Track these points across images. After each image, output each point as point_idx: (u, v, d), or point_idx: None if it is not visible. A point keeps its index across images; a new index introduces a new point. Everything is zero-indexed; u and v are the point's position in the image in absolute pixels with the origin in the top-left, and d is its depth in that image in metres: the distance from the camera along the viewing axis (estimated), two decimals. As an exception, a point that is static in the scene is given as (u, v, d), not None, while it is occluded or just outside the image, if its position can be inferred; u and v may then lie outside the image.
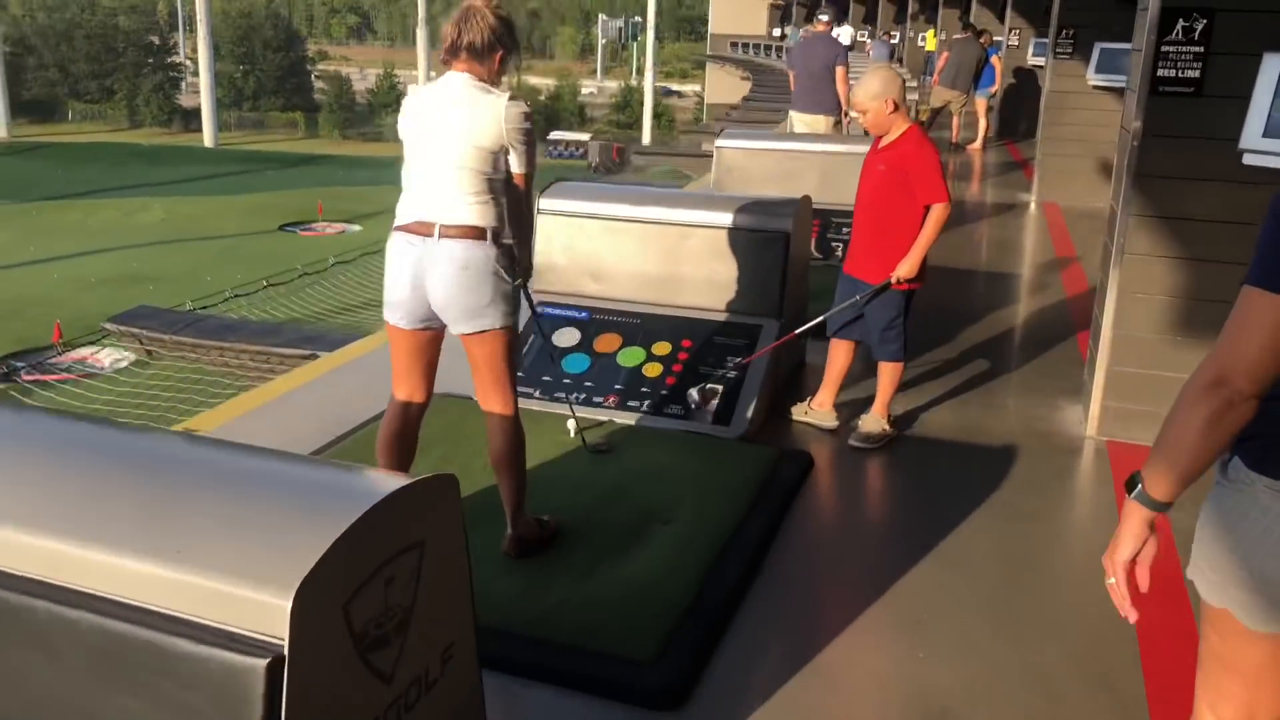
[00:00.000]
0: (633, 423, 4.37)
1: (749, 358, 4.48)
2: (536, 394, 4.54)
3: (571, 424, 4.22)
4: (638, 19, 55.64)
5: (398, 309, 3.17)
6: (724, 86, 39.67)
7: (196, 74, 38.45)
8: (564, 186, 5.08)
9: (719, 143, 7.46)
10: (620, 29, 65.19)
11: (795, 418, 4.57)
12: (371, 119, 44.79)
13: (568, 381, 4.56)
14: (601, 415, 4.41)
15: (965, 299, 6.57)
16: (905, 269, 4.14)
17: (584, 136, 43.17)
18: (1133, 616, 1.70)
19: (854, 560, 3.58)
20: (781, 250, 4.67)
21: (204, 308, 18.09)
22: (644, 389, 4.50)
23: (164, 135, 40.41)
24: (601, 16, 72.71)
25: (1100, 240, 4.80)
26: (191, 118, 39.65)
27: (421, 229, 3.06)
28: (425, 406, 3.37)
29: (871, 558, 3.57)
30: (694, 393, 4.41)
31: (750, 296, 4.72)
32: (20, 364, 19.61)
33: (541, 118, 43.07)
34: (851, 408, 4.58)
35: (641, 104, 45.85)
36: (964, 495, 3.90)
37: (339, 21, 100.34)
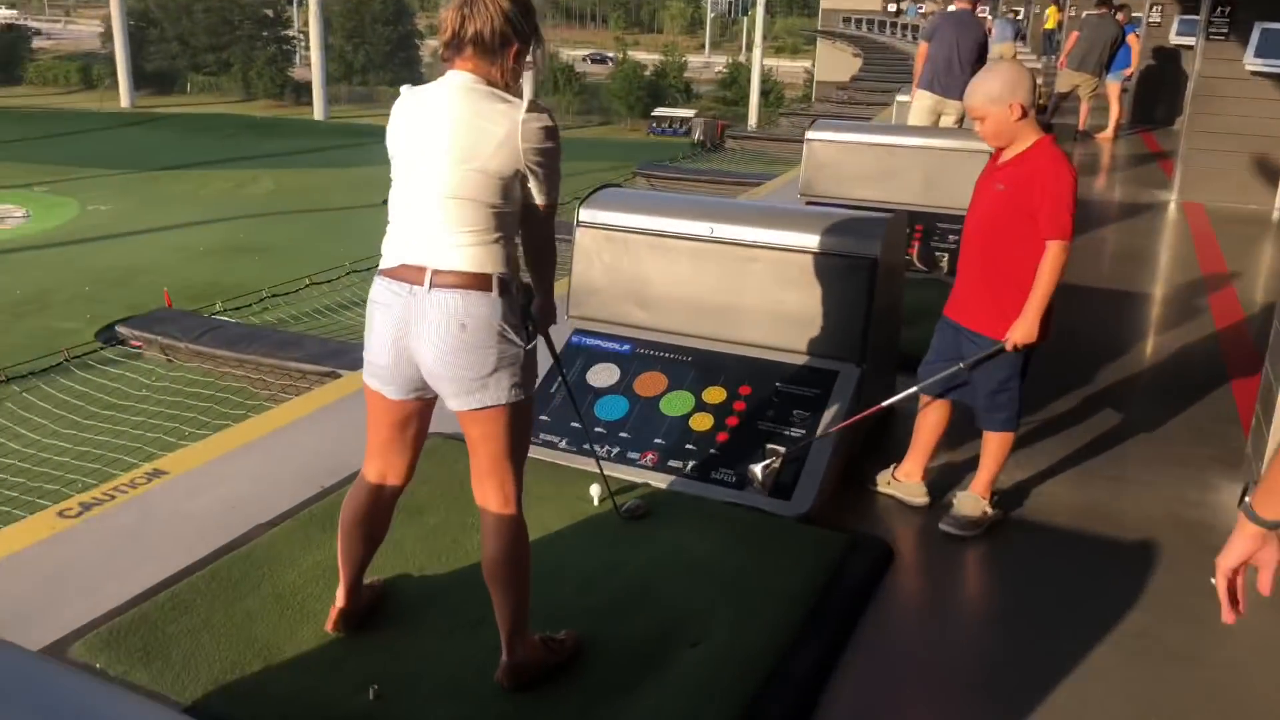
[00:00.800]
0: (673, 488, 3.61)
1: (815, 435, 3.65)
2: (562, 444, 3.82)
3: (595, 489, 3.49)
4: (749, -8, 54.14)
5: (379, 375, 2.49)
6: (834, 64, 38.22)
7: (308, 48, 38.76)
8: (609, 194, 4.31)
9: (809, 135, 6.57)
10: (730, 2, 63.74)
11: (879, 488, 3.75)
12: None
13: (600, 430, 3.82)
14: (635, 475, 3.66)
15: (1087, 328, 5.51)
16: (1020, 333, 3.28)
17: (688, 113, 42.26)
18: (1229, 618, 1.71)
19: (936, 701, 2.76)
20: (866, 280, 3.82)
21: (280, 293, 17.87)
22: (689, 445, 3.73)
23: (276, 108, 40.95)
24: (711, -11, 71.14)
25: (1258, 251, 3.81)
26: (303, 91, 40.05)
27: (409, 275, 2.36)
28: (401, 488, 2.70)
29: (958, 700, 2.75)
30: (754, 468, 3.60)
31: (826, 335, 3.90)
32: (131, 331, 19.97)
33: (645, 93, 42.26)
34: (946, 476, 3.74)
35: (749, 81, 44.57)
36: (1085, 618, 3.02)
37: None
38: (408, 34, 43.56)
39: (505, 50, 2.35)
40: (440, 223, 2.34)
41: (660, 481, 3.63)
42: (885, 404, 3.73)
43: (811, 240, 3.88)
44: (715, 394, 3.87)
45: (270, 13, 40.41)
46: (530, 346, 2.43)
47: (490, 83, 2.36)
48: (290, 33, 42.31)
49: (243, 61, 40.27)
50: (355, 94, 41.99)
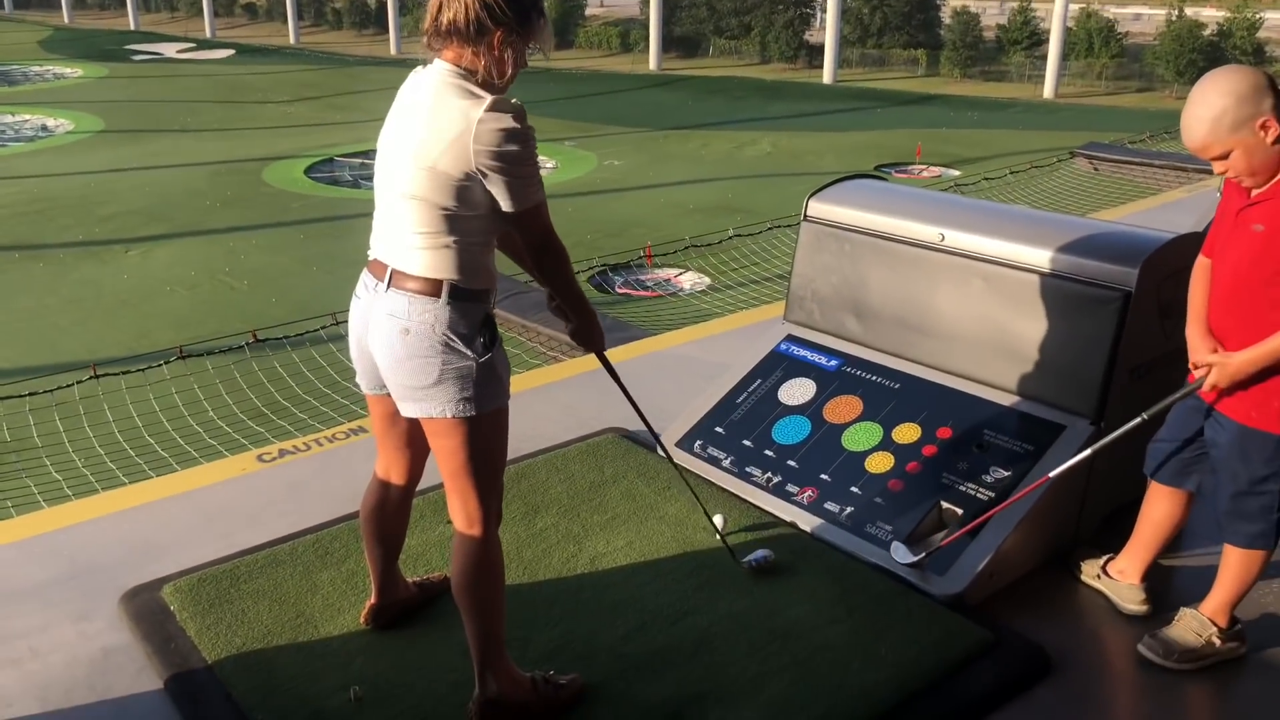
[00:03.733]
0: (817, 533, 3.13)
1: (1004, 502, 2.95)
2: (726, 461, 3.48)
3: (719, 520, 3.14)
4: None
5: (355, 366, 2.48)
6: None
7: (826, 10, 39.20)
8: (845, 187, 3.80)
9: None
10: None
11: (1083, 578, 2.98)
12: (998, 56, 42.17)
13: (770, 454, 3.42)
14: (784, 511, 3.24)
15: None
16: (1225, 372, 2.41)
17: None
18: None
19: None
20: (1115, 316, 3.00)
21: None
22: (855, 488, 3.21)
23: (788, 71, 41.92)
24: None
25: None
26: (815, 54, 40.58)
27: (376, 271, 2.32)
28: (410, 487, 2.64)
29: None
30: (927, 524, 3.02)
31: (1058, 379, 3.14)
32: (618, 277, 21.97)
33: (1200, 57, 37.33)
34: (1186, 582, 2.86)
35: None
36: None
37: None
38: (931, -7, 42.25)
39: (484, 38, 2.13)
40: (400, 221, 2.22)
41: (807, 524, 3.18)
42: (1093, 448, 2.89)
43: (1053, 258, 3.14)
44: (908, 432, 3.29)
45: (794, -24, 41.38)
46: (485, 359, 2.22)
47: (472, 72, 2.15)
48: (812, -5, 43.08)
49: (762, 25, 41.72)
50: (867, 57, 41.68)
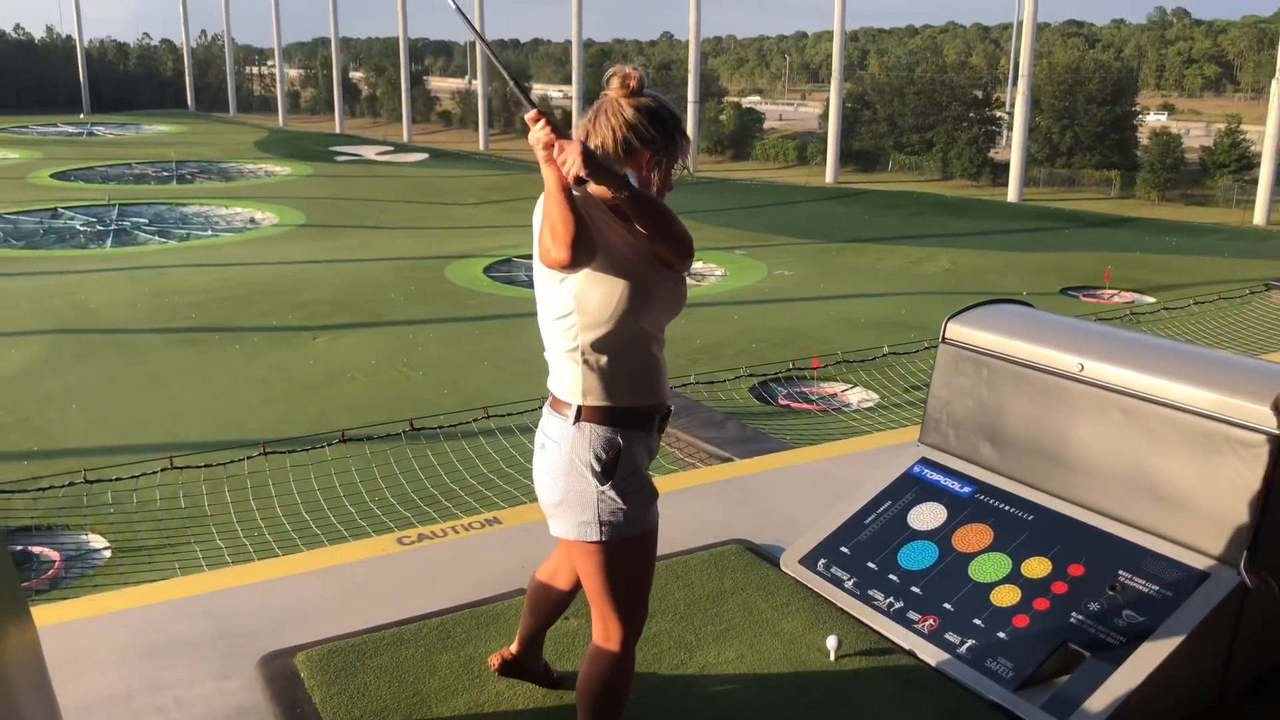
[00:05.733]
0: (940, 667, 3.04)
1: (1137, 647, 2.79)
2: (849, 582, 3.44)
3: (833, 641, 3.10)
4: None
5: None
6: None
7: (1012, 128, 38.75)
8: (986, 311, 3.76)
9: None
10: None
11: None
12: (1201, 180, 40.48)
13: (894, 578, 3.36)
14: (903, 638, 3.16)
15: None
16: None
17: None
18: None
19: None
20: (1266, 460, 2.85)
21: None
22: (978, 620, 3.11)
23: (969, 188, 41.44)
24: None
25: None
26: (1000, 172, 40.03)
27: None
28: (568, 593, 2.75)
29: None
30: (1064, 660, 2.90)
31: (1204, 523, 2.98)
32: (782, 389, 21.85)
33: None
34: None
35: None
36: None
37: (1195, 72, 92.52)
38: (1124, 114, 41.08)
39: (632, 158, 2.24)
40: (548, 341, 2.32)
41: (926, 653, 3.09)
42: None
43: (1198, 395, 3.02)
44: (1037, 566, 3.19)
45: (979, 94, 41.16)
46: (606, 486, 2.24)
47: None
48: (998, 114, 42.61)
49: (945, 141, 41.48)
50: (1055, 177, 40.81)
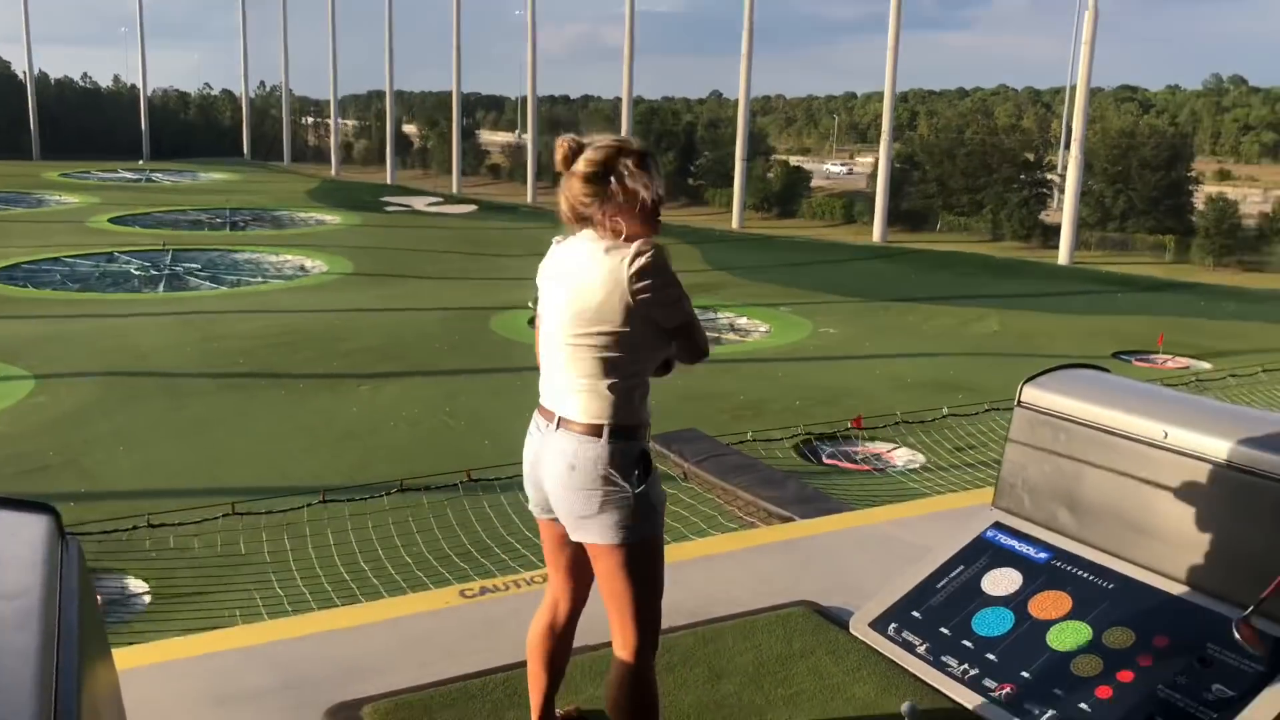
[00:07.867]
0: (1020, 740, 2.95)
1: None
2: (921, 648, 3.36)
3: (907, 707, 3.02)
4: None
5: (529, 493, 2.71)
6: None
7: (1064, 191, 38.60)
8: (1064, 375, 3.70)
9: None
10: None
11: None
12: (1260, 246, 39.94)
13: (968, 645, 3.28)
14: (980, 706, 3.07)
15: None
16: None
17: None
18: None
19: None
20: (1366, 537, 2.76)
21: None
22: (1058, 690, 3.02)
23: (1019, 250, 41.18)
24: None
25: None
26: (1050, 234, 39.80)
27: (545, 414, 2.60)
28: (575, 611, 2.81)
29: None
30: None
31: (1297, 598, 2.88)
32: (826, 447, 21.65)
33: None
34: None
35: None
36: None
37: (1252, 139, 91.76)
38: (1180, 180, 40.76)
39: (598, 210, 2.44)
40: (563, 369, 2.51)
41: (1005, 725, 3.00)
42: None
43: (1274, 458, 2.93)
44: (1120, 636, 3.10)
45: (1030, 156, 41.06)
46: (640, 490, 2.46)
47: (603, 237, 2.45)
48: (1051, 176, 42.44)
49: (995, 203, 41.32)
50: (1107, 240, 40.47)
